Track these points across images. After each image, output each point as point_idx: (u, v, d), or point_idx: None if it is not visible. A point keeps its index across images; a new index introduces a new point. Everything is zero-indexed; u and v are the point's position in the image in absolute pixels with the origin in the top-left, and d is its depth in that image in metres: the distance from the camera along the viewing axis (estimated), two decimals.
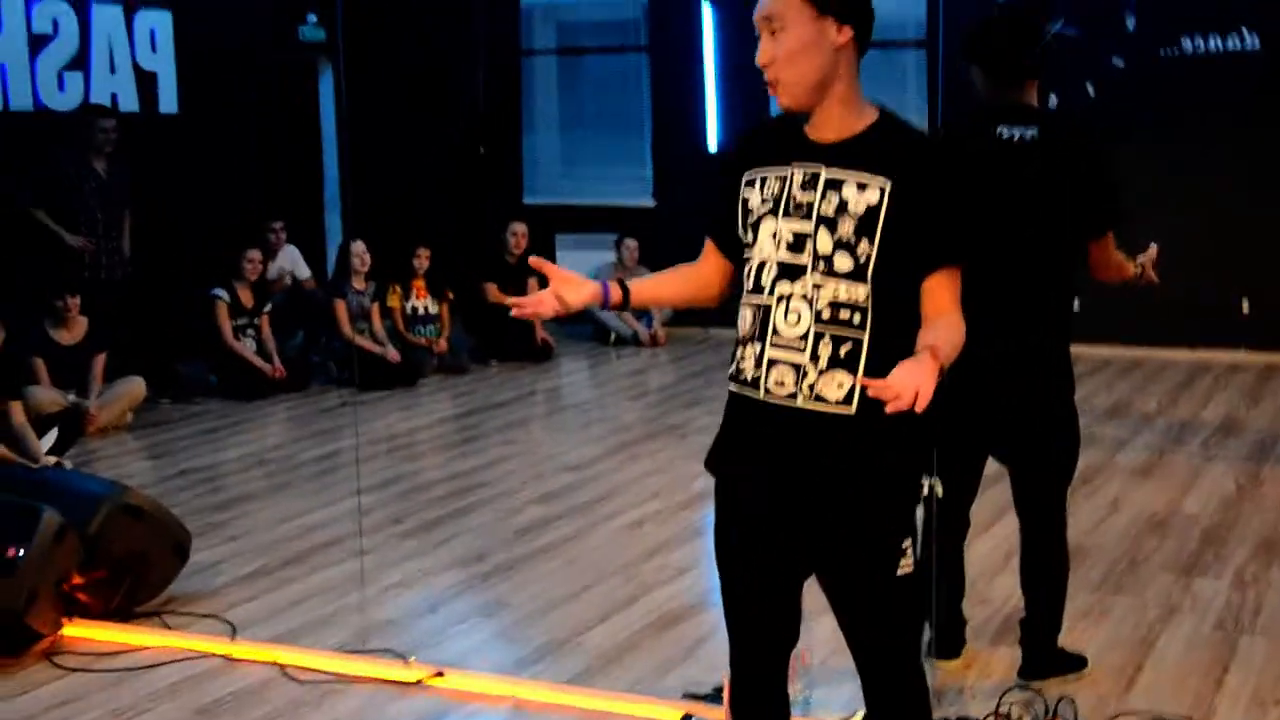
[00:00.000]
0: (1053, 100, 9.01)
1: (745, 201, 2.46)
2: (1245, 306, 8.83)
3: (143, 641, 4.17)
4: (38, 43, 7.98)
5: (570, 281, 2.54)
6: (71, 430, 6.61)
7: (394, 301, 8.77)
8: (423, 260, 8.87)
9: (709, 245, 2.62)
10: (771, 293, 2.40)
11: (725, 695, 2.84)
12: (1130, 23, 8.94)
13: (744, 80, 2.35)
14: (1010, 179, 3.45)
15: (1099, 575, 4.66)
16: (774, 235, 2.41)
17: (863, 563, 2.46)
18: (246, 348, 8.14)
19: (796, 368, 2.37)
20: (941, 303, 2.39)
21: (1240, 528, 5.18)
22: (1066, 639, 3.84)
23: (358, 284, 8.61)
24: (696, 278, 2.66)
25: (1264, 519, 5.29)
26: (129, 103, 8.52)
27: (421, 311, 8.89)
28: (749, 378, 2.43)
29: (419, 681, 3.83)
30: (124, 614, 4.35)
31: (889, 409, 2.14)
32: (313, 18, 9.82)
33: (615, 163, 10.67)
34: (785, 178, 2.41)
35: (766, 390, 2.40)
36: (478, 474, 6.27)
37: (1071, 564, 4.54)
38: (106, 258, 7.66)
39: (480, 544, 5.18)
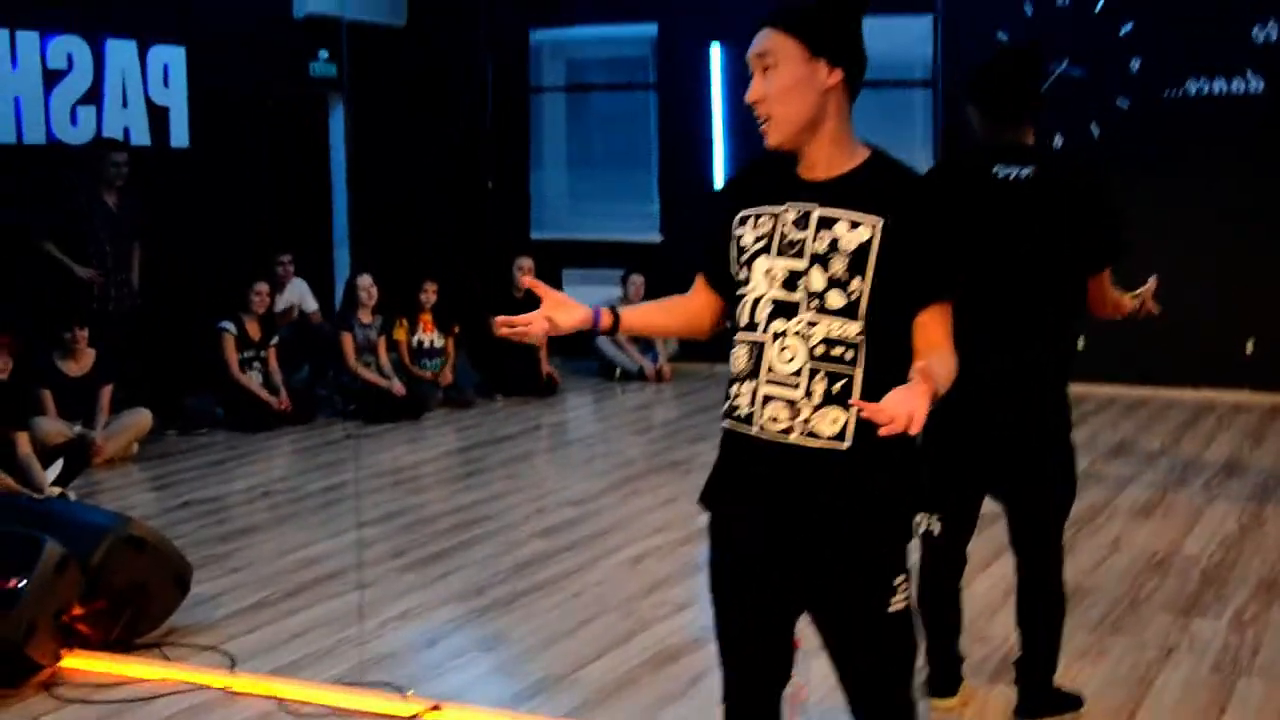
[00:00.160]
0: (1058, 140, 9.08)
1: (738, 239, 2.49)
2: (1250, 347, 8.84)
3: (142, 673, 4.18)
4: (52, 77, 8.08)
5: (562, 304, 2.57)
6: (77, 461, 6.65)
7: (400, 335, 8.82)
8: (429, 294, 8.92)
9: (699, 281, 2.65)
10: (765, 330, 2.43)
11: None
12: (1135, 64, 9.00)
13: (751, 118, 2.38)
14: (1006, 218, 3.47)
15: (1098, 615, 4.66)
16: (767, 273, 2.44)
17: (855, 599, 2.47)
18: (253, 380, 8.19)
19: (790, 404, 2.39)
20: (934, 337, 2.42)
21: (1240, 568, 5.17)
22: (1063, 678, 3.84)
23: (364, 317, 8.66)
24: (686, 310, 2.68)
25: (1264, 559, 5.28)
26: (141, 137, 8.60)
27: (427, 345, 8.94)
28: (743, 414, 2.45)
29: (416, 715, 3.84)
30: (124, 645, 4.37)
31: (882, 432, 2.17)
32: (324, 54, 9.93)
33: (622, 199, 10.73)
34: (778, 216, 2.44)
35: (760, 426, 2.42)
36: (480, 508, 6.29)
37: (1071, 603, 4.55)
38: (115, 290, 7.73)
39: (481, 578, 5.19)
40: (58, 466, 6.42)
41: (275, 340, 8.38)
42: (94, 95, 8.32)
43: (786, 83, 2.39)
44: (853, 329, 2.37)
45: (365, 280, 8.70)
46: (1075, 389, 8.35)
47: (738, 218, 2.51)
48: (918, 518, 3.64)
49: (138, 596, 4.42)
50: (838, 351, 2.38)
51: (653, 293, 9.54)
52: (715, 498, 2.57)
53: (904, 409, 2.15)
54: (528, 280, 2.63)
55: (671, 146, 10.47)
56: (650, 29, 10.46)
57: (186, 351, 8.31)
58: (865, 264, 2.36)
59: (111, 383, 7.27)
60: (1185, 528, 5.77)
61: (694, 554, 5.40)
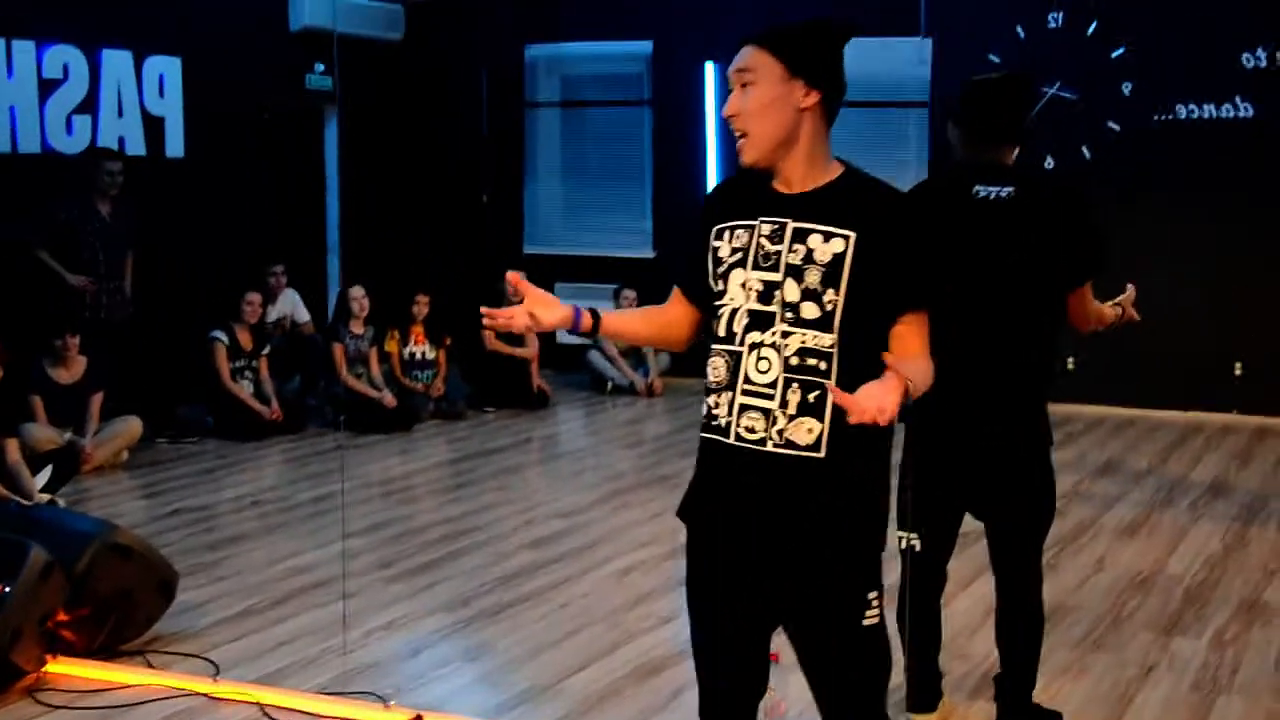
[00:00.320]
0: (1050, 162, 9.14)
1: (715, 251, 2.53)
2: (1238, 369, 8.89)
3: (126, 680, 4.19)
4: (47, 87, 8.10)
5: (545, 301, 2.58)
6: (66, 468, 6.66)
7: (392, 347, 8.85)
8: (421, 306, 8.95)
9: (676, 294, 2.69)
10: (742, 341, 2.46)
11: None
12: (1126, 88, 9.06)
13: None
14: (986, 237, 3.50)
15: (1080, 632, 4.68)
16: (743, 285, 2.47)
17: (828, 612, 2.49)
18: (244, 390, 8.21)
19: (766, 413, 2.42)
20: (910, 346, 2.44)
21: (1223, 588, 5.20)
22: (1044, 695, 3.86)
23: (356, 329, 8.69)
24: (664, 321, 2.71)
25: (1246, 579, 5.31)
26: (136, 147, 8.63)
27: (419, 357, 8.96)
28: (720, 425, 2.48)
29: None
30: (108, 652, 4.38)
31: (851, 420, 2.23)
32: (320, 66, 9.97)
33: (616, 214, 10.78)
34: (753, 229, 2.48)
35: (737, 436, 2.45)
36: (468, 519, 6.31)
37: (1054, 621, 4.60)
38: (107, 298, 7.75)
39: (467, 589, 5.21)
40: (47, 473, 6.43)
41: (267, 350, 8.40)
42: (89, 105, 8.35)
43: (763, 100, 2.44)
44: (827, 340, 2.40)
45: (357, 291, 8.73)
46: (1065, 409, 8.42)
47: (714, 231, 2.54)
48: (899, 534, 3.70)
49: (123, 603, 4.43)
50: (812, 362, 2.41)
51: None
52: (693, 508, 2.60)
53: (874, 402, 2.23)
54: (513, 276, 2.64)
55: (665, 163, 10.52)
56: (645, 46, 10.52)
57: (178, 360, 8.33)
58: (839, 276, 2.40)
59: (102, 390, 7.29)
60: (1170, 547, 5.80)
61: (680, 567, 5.33)
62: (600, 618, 4.85)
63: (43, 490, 6.29)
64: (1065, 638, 4.59)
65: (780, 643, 2.58)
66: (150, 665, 4.36)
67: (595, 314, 2.63)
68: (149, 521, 6.19)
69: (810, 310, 2.41)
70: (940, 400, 3.52)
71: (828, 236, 2.42)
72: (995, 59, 9.14)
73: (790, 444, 2.41)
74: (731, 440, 2.46)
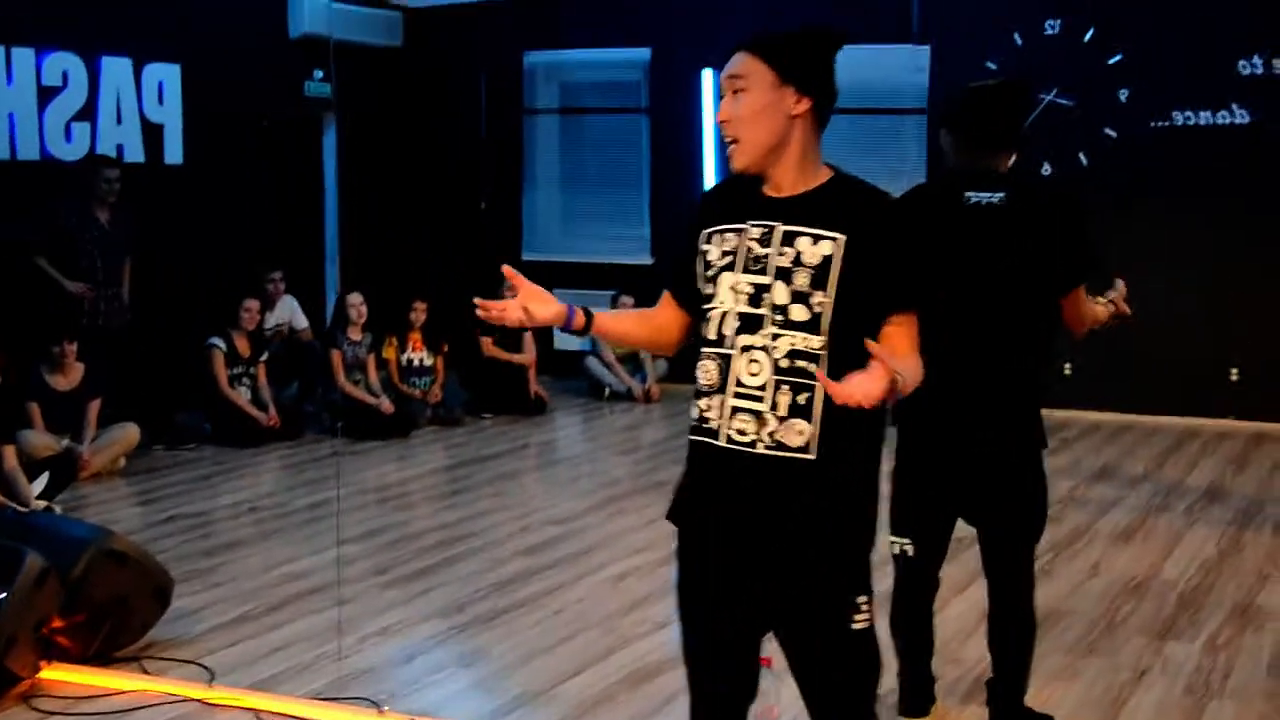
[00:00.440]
0: (1047, 168, 9.16)
1: (704, 255, 2.54)
2: (1234, 375, 8.89)
3: (121, 686, 4.20)
4: (46, 94, 8.13)
5: (539, 296, 2.59)
6: (63, 475, 6.67)
7: (389, 353, 8.87)
8: (419, 313, 8.97)
9: (667, 297, 2.70)
10: (732, 344, 2.47)
11: None
12: (1123, 95, 9.08)
13: None
14: (978, 243, 3.52)
15: (1074, 637, 4.69)
16: (733, 288, 2.48)
17: (816, 616, 2.50)
18: (241, 396, 8.23)
19: (757, 415, 2.43)
20: (899, 347, 2.44)
21: (1217, 593, 5.21)
22: (1037, 699, 3.87)
23: (354, 335, 8.71)
24: (655, 323, 2.72)
25: (1240, 584, 5.32)
26: (135, 154, 8.66)
27: (417, 364, 8.98)
28: (711, 427, 2.49)
29: None
30: (103, 658, 4.39)
31: (836, 400, 2.25)
32: (319, 73, 10.00)
33: (614, 221, 10.80)
34: (743, 233, 2.50)
35: (728, 438, 2.46)
36: (465, 525, 6.32)
37: (1048, 625, 4.61)
38: (105, 305, 7.77)
39: (462, 594, 5.22)
40: (43, 480, 6.44)
41: (265, 357, 8.42)
42: (88, 112, 8.38)
43: (754, 106, 2.46)
44: (816, 342, 2.41)
45: (355, 298, 8.75)
46: (1061, 414, 8.42)
47: (704, 235, 2.56)
48: (891, 540, 3.72)
49: (118, 609, 4.44)
50: (802, 364, 2.42)
51: None
52: (683, 513, 2.61)
53: (860, 389, 2.23)
54: (508, 270, 2.64)
55: (663, 170, 10.54)
56: (643, 54, 10.55)
57: (176, 367, 8.35)
58: (828, 278, 2.41)
59: (99, 397, 7.30)
60: (1164, 552, 5.81)
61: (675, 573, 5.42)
62: (595, 623, 4.86)
63: (39, 497, 6.31)
64: (1059, 642, 4.60)
65: (773, 648, 2.59)
66: (145, 671, 4.37)
67: (588, 313, 2.64)
68: (145, 528, 6.20)
69: (799, 312, 2.42)
70: (933, 405, 3.55)
71: (816, 239, 2.43)
72: (992, 66, 9.17)
73: (781, 446, 2.42)
74: (722, 443, 2.47)
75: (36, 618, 4.15)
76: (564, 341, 10.38)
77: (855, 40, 2.54)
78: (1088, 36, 9.14)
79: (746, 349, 2.45)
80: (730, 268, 2.49)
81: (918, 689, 3.88)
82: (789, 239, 2.45)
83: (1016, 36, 9.31)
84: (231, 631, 4.78)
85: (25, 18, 7.99)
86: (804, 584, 2.48)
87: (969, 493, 3.67)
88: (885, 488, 2.59)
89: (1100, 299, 3.74)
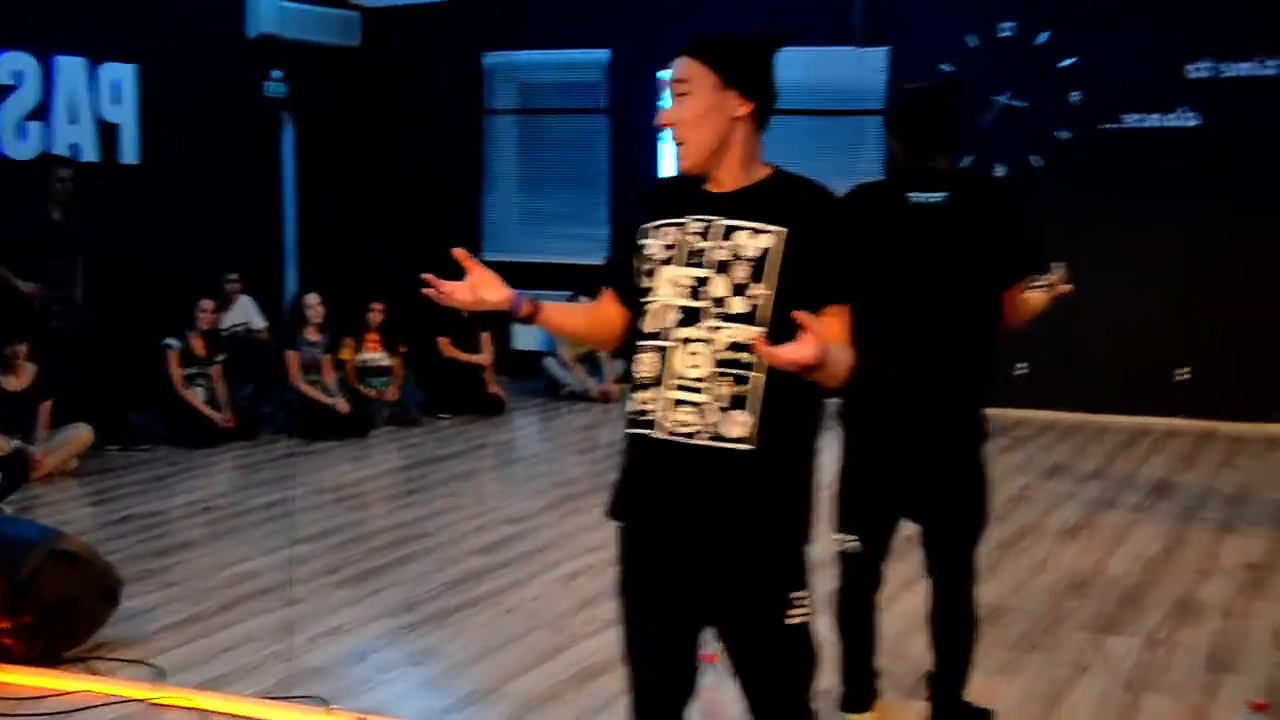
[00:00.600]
0: (1000, 169, 9.26)
1: (643, 249, 2.58)
2: (1183, 374, 9.02)
3: (68, 687, 4.19)
4: (1, 93, 8.08)
5: (489, 281, 2.62)
6: (15, 476, 6.64)
7: (346, 354, 8.87)
8: (376, 314, 8.98)
9: (608, 294, 2.73)
10: (670, 337, 2.51)
11: None
12: (1075, 97, 9.19)
13: None
14: (920, 242, 3.57)
15: (1018, 633, 4.76)
16: (672, 281, 2.52)
17: (753, 610, 2.54)
18: (197, 396, 8.20)
19: (696, 407, 2.47)
20: (832, 336, 2.48)
21: (1158, 589, 5.29)
22: (978, 694, 3.92)
23: (310, 335, 8.70)
24: (598, 318, 2.75)
25: (1182, 580, 5.41)
26: (90, 153, 8.62)
27: (374, 364, 8.98)
28: (649, 419, 2.53)
29: None
30: (51, 659, 4.38)
31: (765, 357, 2.30)
32: (277, 74, 9.97)
33: (573, 221, 10.83)
34: (682, 226, 2.54)
35: (665, 430, 2.50)
36: (419, 525, 6.33)
37: (993, 621, 4.67)
38: (59, 305, 7.73)
39: (415, 594, 5.23)
40: None
41: (221, 357, 8.40)
42: (43, 111, 8.34)
43: (698, 110, 2.50)
44: (755, 334, 2.45)
45: (312, 299, 8.74)
46: (1015, 414, 8.48)
47: (643, 230, 2.60)
48: (835, 537, 3.77)
49: (67, 610, 4.43)
50: (742, 356, 2.46)
51: None
52: (622, 507, 2.65)
53: (791, 353, 2.28)
54: (457, 252, 2.67)
55: (622, 170, 10.58)
56: (603, 55, 10.58)
57: (131, 367, 8.31)
58: (767, 271, 2.46)
59: (51, 398, 7.27)
60: (1110, 549, 5.89)
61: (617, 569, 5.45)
62: (546, 622, 4.89)
63: None
64: (1002, 638, 4.67)
65: (718, 646, 2.62)
66: (93, 672, 4.36)
67: (536, 303, 2.66)
68: (98, 528, 6.18)
69: (738, 305, 2.47)
70: (878, 403, 3.60)
71: (755, 233, 2.48)
72: (948, 68, 9.26)
73: (720, 437, 2.46)
74: (660, 435, 2.51)
75: None
76: (522, 341, 10.41)
77: (786, 44, 2.58)
78: (1041, 40, 9.24)
79: (686, 341, 2.49)
80: (670, 261, 2.53)
81: (861, 684, 3.93)
82: (728, 233, 2.49)
83: (972, 39, 9.40)
84: (181, 631, 4.77)
85: None
86: (741, 578, 2.52)
87: (913, 491, 3.72)
88: (825, 480, 2.63)
89: (1037, 282, 3.75)
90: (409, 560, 5.72)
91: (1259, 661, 4.49)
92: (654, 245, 2.57)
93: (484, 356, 9.41)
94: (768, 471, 2.47)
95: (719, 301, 2.47)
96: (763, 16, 8.89)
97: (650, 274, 2.56)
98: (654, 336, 2.54)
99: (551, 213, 11.01)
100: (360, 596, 5.21)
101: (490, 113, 11.09)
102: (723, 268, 2.48)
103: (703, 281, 2.49)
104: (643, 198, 2.70)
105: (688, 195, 2.57)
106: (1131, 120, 9.06)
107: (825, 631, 3.37)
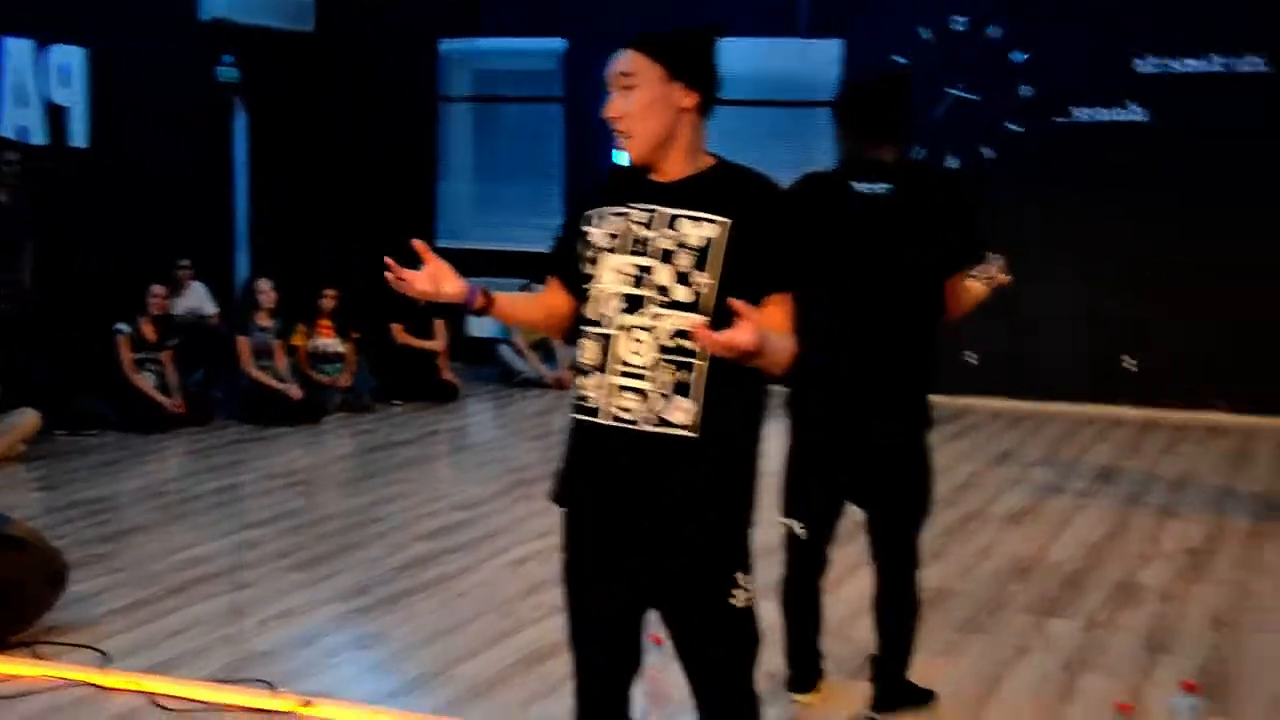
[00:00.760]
0: (952, 161, 9.35)
1: (587, 237, 2.61)
2: (1129, 363, 9.16)
3: (13, 671, 4.17)
4: None
5: (445, 272, 2.64)
6: None
7: (299, 340, 8.84)
8: (329, 300, 8.95)
9: (554, 283, 2.75)
10: (613, 324, 2.54)
11: None
12: (1026, 91, 9.29)
13: None
14: (864, 232, 3.62)
15: (962, 616, 4.83)
16: (616, 269, 2.55)
17: (695, 592, 2.58)
18: (147, 382, 8.15)
19: (640, 394, 2.50)
20: (774, 324, 2.52)
21: (1099, 572, 5.39)
22: (921, 675, 3.98)
23: (262, 321, 8.66)
24: (546, 307, 2.78)
25: (1122, 564, 5.51)
26: (38, 136, 8.52)
27: (326, 350, 8.95)
28: (592, 406, 2.56)
29: (287, 711, 3.89)
30: None
31: (701, 338, 2.33)
32: (229, 58, 9.89)
33: (528, 209, 10.83)
34: (626, 215, 2.57)
35: (609, 417, 2.53)
36: (371, 510, 6.34)
37: (937, 605, 4.75)
38: (5, 288, 7.65)
39: (365, 578, 5.24)
40: None
41: (173, 342, 8.35)
42: None
43: (645, 102, 2.53)
44: (698, 322, 2.48)
45: (264, 284, 8.70)
46: (964, 401, 8.57)
47: (588, 218, 2.63)
48: (781, 520, 3.82)
49: (13, 595, 4.40)
50: (684, 344, 2.49)
51: None
52: (565, 491, 2.68)
53: (727, 338, 2.32)
54: (416, 243, 2.68)
55: (577, 159, 10.59)
56: (559, 43, 10.58)
57: (80, 352, 8.25)
58: (710, 260, 2.49)
59: None
60: (1054, 534, 5.99)
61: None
62: (494, 606, 4.91)
63: None
64: (946, 620, 4.74)
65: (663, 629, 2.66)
66: (39, 656, 4.34)
67: (489, 295, 2.69)
68: (46, 513, 6.13)
69: (682, 293, 2.49)
70: (829, 392, 3.65)
71: (699, 222, 2.51)
72: (902, 60, 9.33)
73: (664, 423, 2.49)
74: (604, 421, 2.53)
75: None
76: (476, 328, 10.40)
77: (726, 34, 2.62)
78: (993, 34, 9.33)
79: (627, 329, 2.52)
80: (614, 249, 2.56)
81: (806, 666, 3.99)
82: (673, 222, 2.52)
83: (924, 33, 9.48)
84: (129, 616, 4.76)
85: None
86: (683, 561, 2.55)
87: (860, 477, 3.78)
88: (766, 468, 2.67)
89: (975, 273, 3.81)
90: (359, 545, 5.72)
91: (1195, 643, 4.59)
92: (598, 233, 2.59)
93: (437, 343, 9.41)
94: (709, 458, 2.51)
95: (662, 290, 2.50)
96: (715, 7, 8.91)
97: (594, 261, 2.58)
98: (597, 323, 2.56)
99: (506, 200, 11.01)
100: (310, 581, 5.21)
101: (445, 99, 11.07)
102: (666, 256, 2.51)
103: (646, 270, 2.52)
104: (588, 187, 2.74)
105: (633, 184, 2.60)
106: (1081, 114, 9.19)
107: (771, 614, 3.42)
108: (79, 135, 8.83)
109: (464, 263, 2.80)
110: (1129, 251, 9.08)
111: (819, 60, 9.60)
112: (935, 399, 3.75)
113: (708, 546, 2.56)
